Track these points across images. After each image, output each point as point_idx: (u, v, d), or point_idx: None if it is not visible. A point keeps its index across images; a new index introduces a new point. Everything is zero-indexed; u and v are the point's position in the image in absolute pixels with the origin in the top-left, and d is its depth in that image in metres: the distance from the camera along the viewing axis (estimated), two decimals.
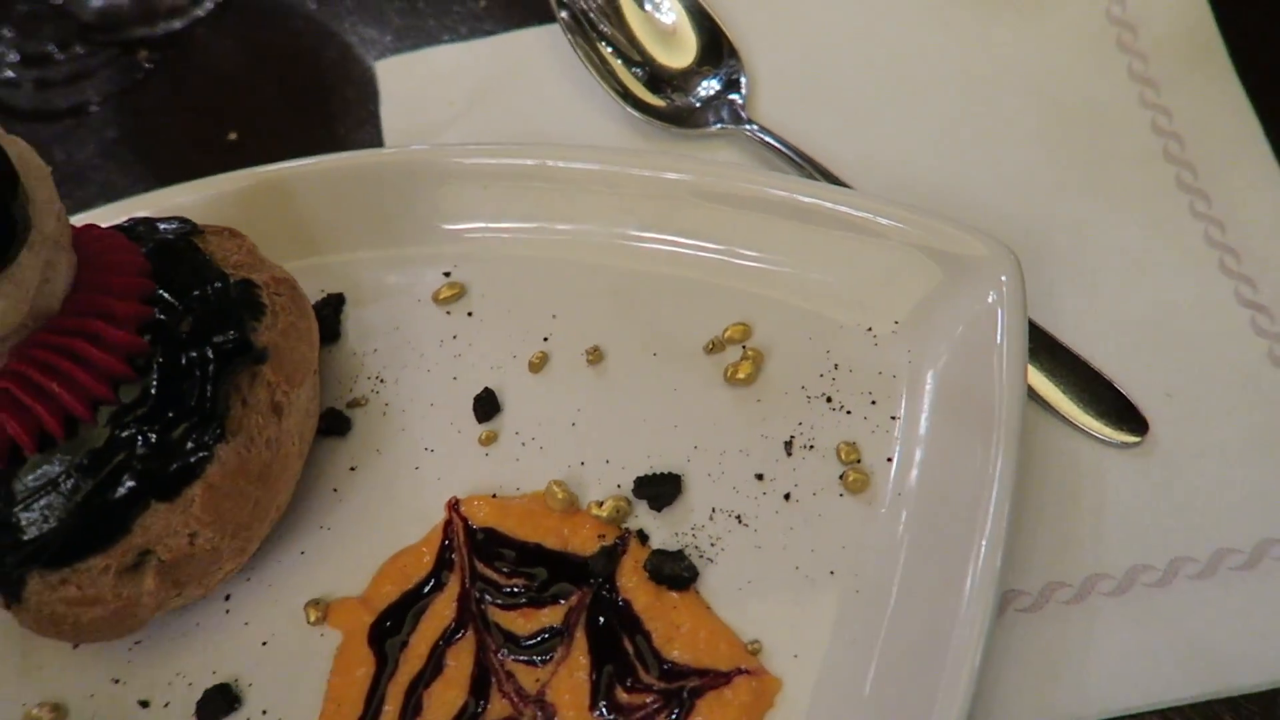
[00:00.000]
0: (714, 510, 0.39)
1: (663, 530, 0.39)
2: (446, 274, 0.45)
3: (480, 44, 0.53)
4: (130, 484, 0.33)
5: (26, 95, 0.58)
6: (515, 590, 0.38)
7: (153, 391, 0.34)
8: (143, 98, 0.56)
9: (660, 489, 0.39)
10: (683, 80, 0.49)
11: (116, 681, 0.39)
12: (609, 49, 0.49)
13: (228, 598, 0.40)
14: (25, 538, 0.33)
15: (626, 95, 0.48)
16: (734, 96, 0.48)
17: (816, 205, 0.41)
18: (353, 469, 0.42)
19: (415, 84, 0.53)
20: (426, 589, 0.38)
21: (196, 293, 0.36)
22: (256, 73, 0.58)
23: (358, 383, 0.44)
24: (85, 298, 0.33)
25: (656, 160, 0.43)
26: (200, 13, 0.60)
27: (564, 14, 0.49)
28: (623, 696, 0.35)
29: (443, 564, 0.39)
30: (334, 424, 0.42)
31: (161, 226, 0.39)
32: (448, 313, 0.45)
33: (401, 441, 0.42)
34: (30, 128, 0.57)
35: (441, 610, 0.38)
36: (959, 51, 0.48)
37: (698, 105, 0.48)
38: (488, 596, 0.38)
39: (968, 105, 0.47)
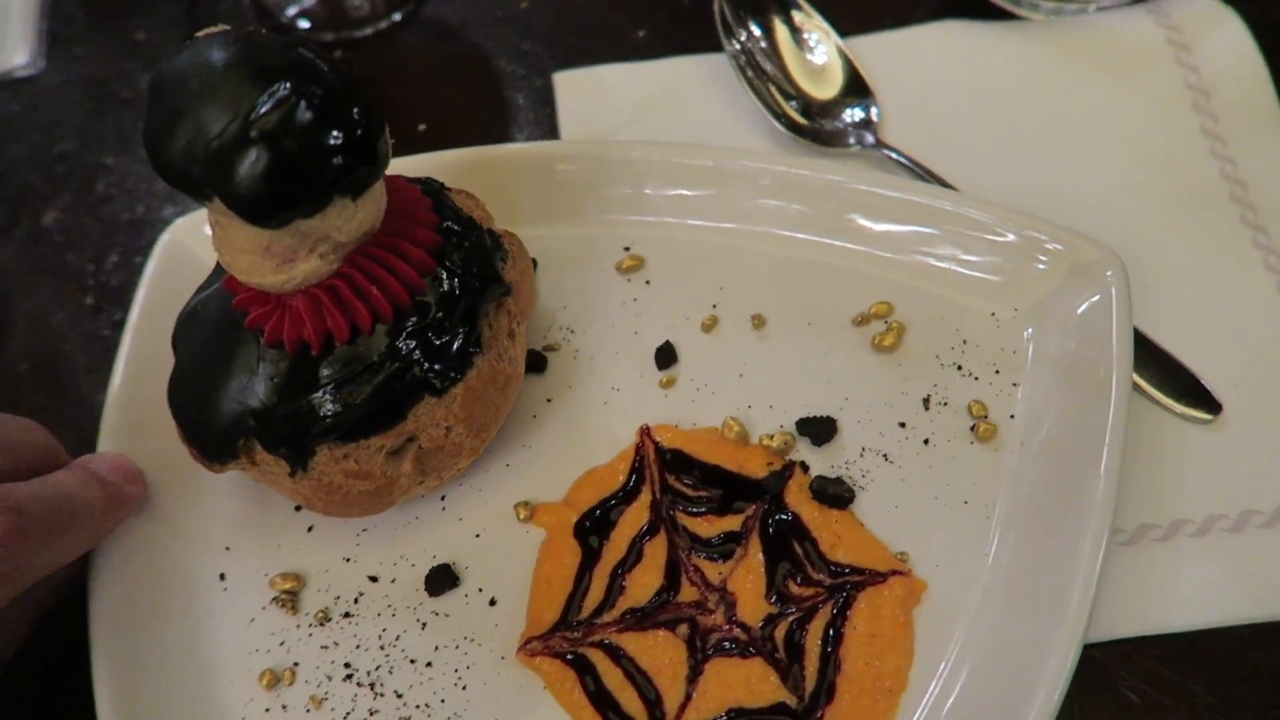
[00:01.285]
0: (864, 449, 0.46)
1: (820, 463, 0.46)
2: (626, 248, 0.53)
3: (648, 65, 0.62)
4: (413, 378, 0.41)
5: None
6: (699, 500, 0.45)
7: (434, 305, 0.42)
8: None
9: (819, 428, 0.47)
10: (827, 109, 0.58)
11: (347, 560, 0.46)
12: (767, 80, 0.58)
13: (443, 498, 0.47)
14: (325, 414, 0.40)
15: (781, 117, 0.57)
16: (869, 125, 0.57)
17: (954, 210, 0.49)
18: (549, 400, 0.49)
19: (588, 95, 0.62)
20: (623, 496, 0.46)
21: (461, 233, 0.44)
22: (440, 78, 0.66)
23: (551, 331, 0.52)
24: (395, 224, 0.41)
25: (818, 164, 0.52)
26: (386, 24, 0.68)
27: (734, 45, 0.58)
28: (793, 589, 0.43)
29: (636, 477, 0.46)
30: (534, 362, 0.50)
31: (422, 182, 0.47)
32: (628, 280, 0.53)
33: (591, 381, 0.50)
34: None
35: (636, 514, 0.45)
36: (1058, 104, 0.58)
37: (840, 128, 0.57)
38: (677, 503, 0.45)
39: (1064, 148, 0.56)
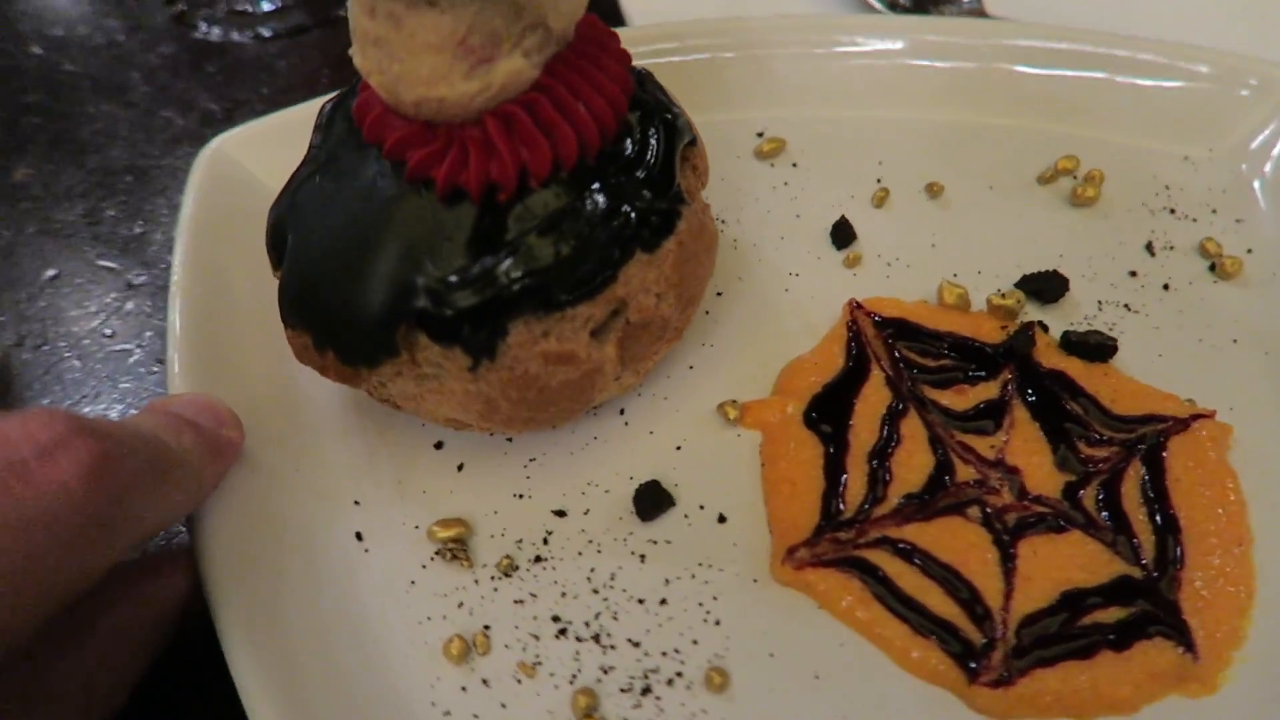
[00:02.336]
0: (1100, 302, 0.40)
1: (1057, 321, 0.40)
2: (760, 134, 0.47)
3: None
4: (623, 228, 0.32)
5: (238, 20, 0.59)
6: (944, 369, 0.38)
7: (635, 143, 0.34)
8: None
9: (1047, 284, 0.40)
10: None
11: (519, 496, 0.36)
12: None
13: (622, 411, 0.38)
14: (526, 274, 0.31)
15: None
16: (972, 3, 0.53)
17: (1127, 53, 0.45)
18: (719, 294, 0.42)
19: None
20: (850, 377, 0.38)
21: (639, 72, 0.36)
22: None
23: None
24: (589, 41, 0.33)
25: (962, 24, 0.47)
26: None
27: None
28: (1086, 450, 0.36)
29: (859, 356, 0.38)
30: None
31: None
32: (771, 165, 0.46)
33: (762, 270, 0.42)
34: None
35: (872, 395, 0.37)
36: None
37: (939, 10, 0.53)
38: (920, 377, 0.37)
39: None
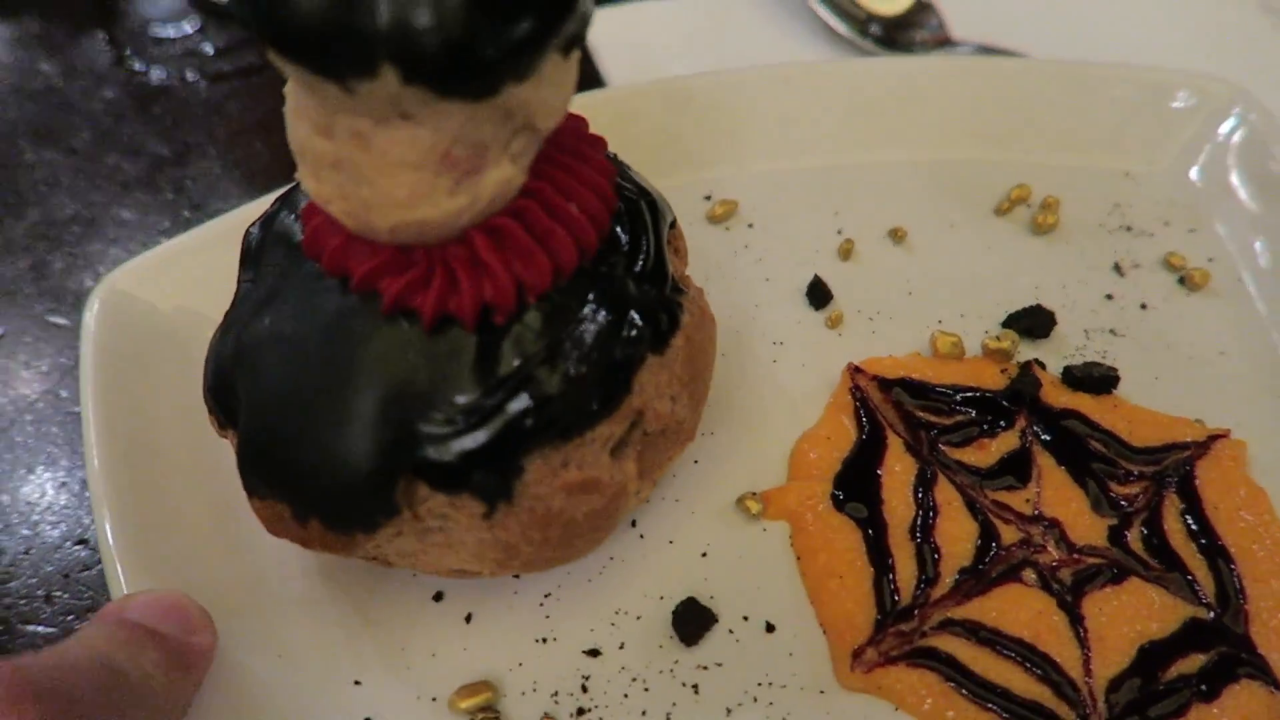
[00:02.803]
0: (1087, 331, 0.40)
1: (1051, 356, 0.39)
2: (707, 197, 0.45)
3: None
4: (635, 331, 0.29)
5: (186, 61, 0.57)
6: (960, 425, 0.36)
7: (626, 237, 0.31)
8: None
9: (1034, 320, 0.39)
10: (898, 24, 0.54)
11: (542, 641, 0.32)
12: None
13: (634, 524, 0.35)
14: (539, 403, 0.27)
15: (853, 25, 0.54)
16: (941, 35, 0.54)
17: (1063, 73, 0.45)
18: None
19: (630, 34, 0.55)
20: (869, 448, 0.36)
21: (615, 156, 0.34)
22: None
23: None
24: (564, 130, 0.30)
25: (899, 60, 0.46)
26: None
27: None
28: (1118, 490, 0.35)
29: (871, 424, 0.36)
30: None
31: None
32: (726, 228, 0.44)
33: (745, 342, 0.40)
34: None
35: (895, 465, 0.35)
36: None
37: (913, 40, 0.54)
38: (939, 437, 0.36)
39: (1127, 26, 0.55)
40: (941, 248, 0.43)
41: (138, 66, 0.55)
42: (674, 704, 0.31)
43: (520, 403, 0.27)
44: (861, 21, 0.54)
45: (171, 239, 0.39)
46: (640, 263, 0.30)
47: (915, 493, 0.34)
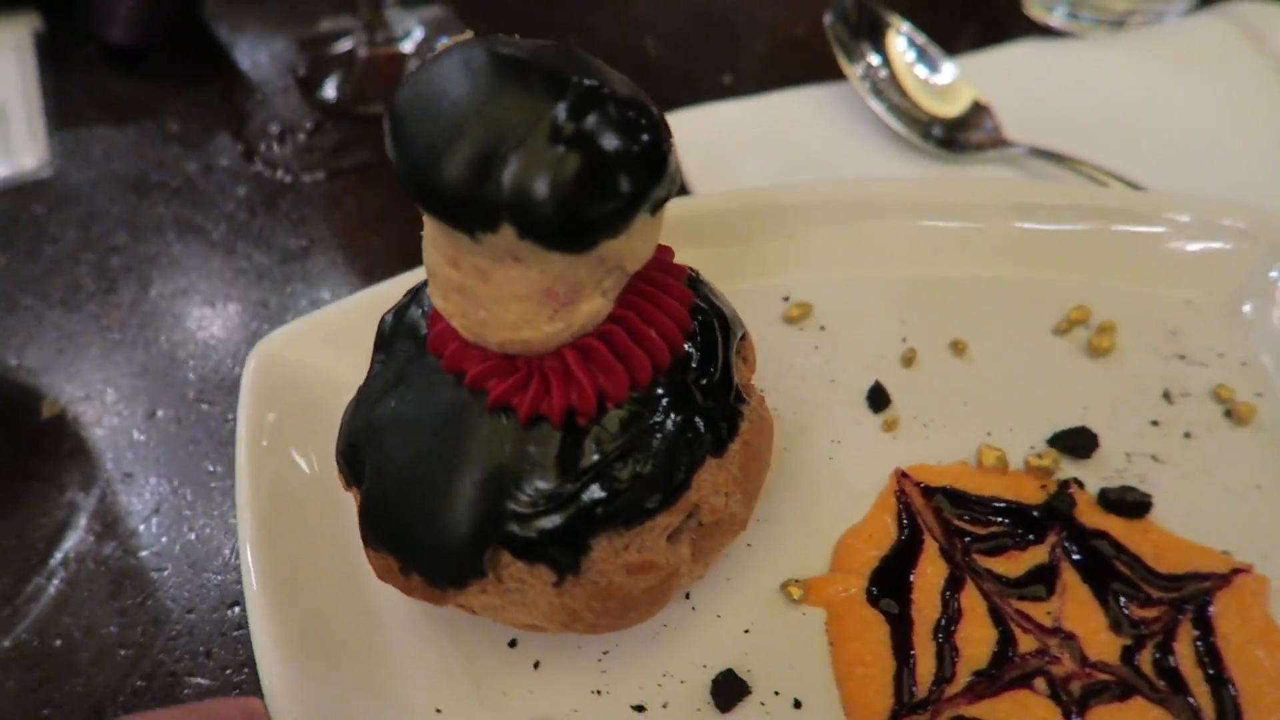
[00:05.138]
0: (1128, 454, 0.43)
1: (1090, 476, 0.42)
2: (786, 298, 0.49)
3: (758, 101, 0.63)
4: (696, 434, 0.34)
5: (306, 158, 0.64)
6: (993, 537, 0.39)
7: (698, 351, 0.35)
8: None
9: (1078, 441, 0.42)
10: (957, 125, 0.59)
11: (597, 693, 0.37)
12: (892, 101, 0.59)
13: (688, 596, 0.40)
14: (609, 494, 0.32)
15: (915, 127, 0.58)
16: (999, 136, 0.58)
17: (1130, 205, 0.48)
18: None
19: (706, 134, 0.60)
20: (906, 549, 0.39)
21: (692, 275, 0.38)
22: None
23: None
24: (654, 266, 0.35)
25: (972, 178, 0.50)
26: None
27: (858, 69, 0.59)
28: (1136, 612, 0.37)
29: (911, 527, 0.40)
30: None
31: None
32: (800, 330, 0.48)
33: (804, 438, 0.44)
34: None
35: (927, 567, 0.39)
36: (1160, 102, 0.60)
37: (973, 141, 0.58)
38: (973, 545, 0.39)
39: (1179, 141, 0.57)
40: (999, 362, 0.46)
41: (261, 165, 0.62)
42: None
43: (594, 493, 0.32)
44: (922, 123, 0.58)
45: (315, 311, 0.46)
46: (708, 377, 0.35)
47: (944, 594, 0.38)
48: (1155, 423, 0.43)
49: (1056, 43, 0.65)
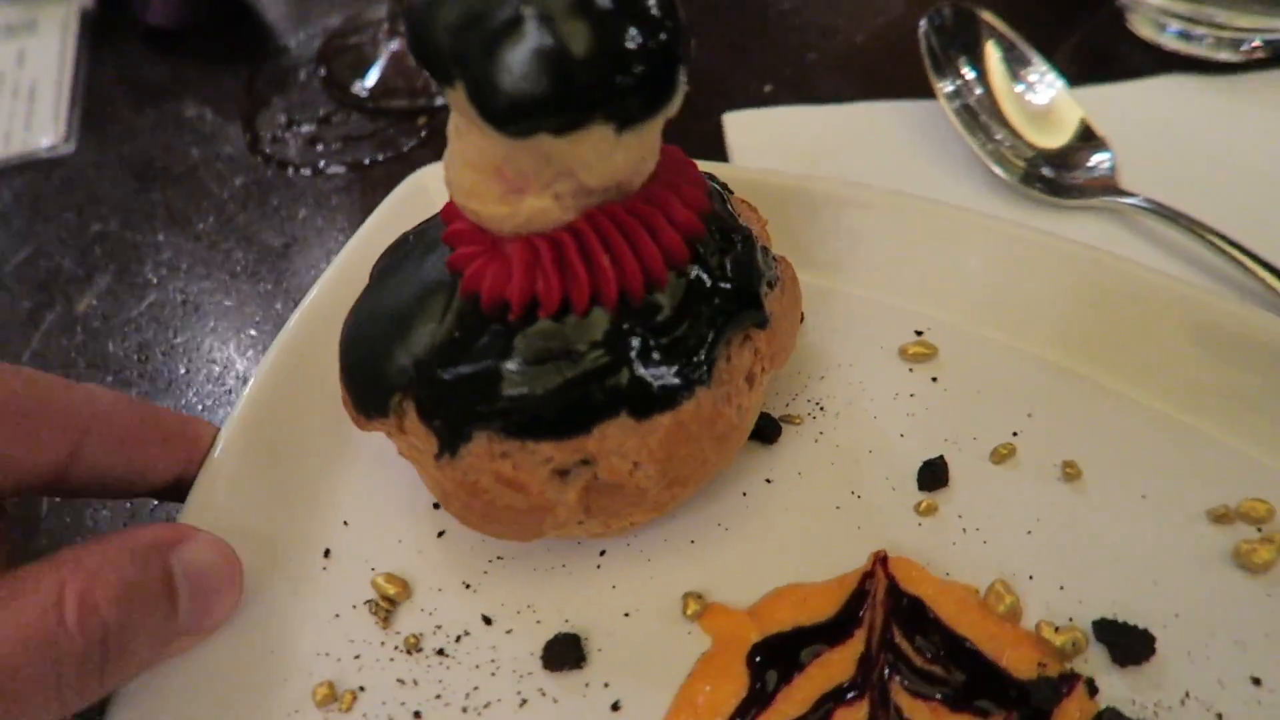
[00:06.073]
0: (1187, 694, 0.32)
1: (1118, 689, 0.32)
2: (919, 332, 0.42)
3: (827, 109, 0.56)
4: (615, 387, 0.31)
5: (308, 152, 0.62)
6: (931, 678, 0.32)
7: (670, 307, 0.32)
8: (425, 155, 0.59)
9: (1128, 641, 0.32)
10: (1058, 159, 0.49)
11: (467, 586, 0.37)
12: (983, 125, 0.51)
13: (603, 552, 0.37)
14: (499, 393, 0.31)
15: (1004, 164, 0.49)
16: (1109, 176, 0.48)
17: None
18: (768, 481, 0.39)
19: (762, 139, 0.54)
20: (827, 633, 0.33)
21: (732, 234, 0.35)
22: None
23: (797, 400, 0.41)
24: (657, 192, 0.32)
25: (1153, 284, 0.39)
26: None
27: (948, 86, 0.52)
28: None
29: (851, 615, 0.34)
30: (764, 428, 0.39)
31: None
32: (910, 370, 0.41)
33: (828, 475, 0.38)
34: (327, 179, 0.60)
35: (836, 662, 0.33)
36: None
37: (1076, 181, 0.48)
38: (897, 672, 0.32)
39: None
40: (1109, 510, 0.36)
41: (261, 156, 0.60)
42: (499, 698, 0.34)
43: (487, 383, 0.32)
44: (1023, 165, 0.49)
45: None
46: (669, 333, 0.32)
47: (825, 700, 0.32)
48: (1258, 681, 0.32)
49: (1188, 77, 0.55)
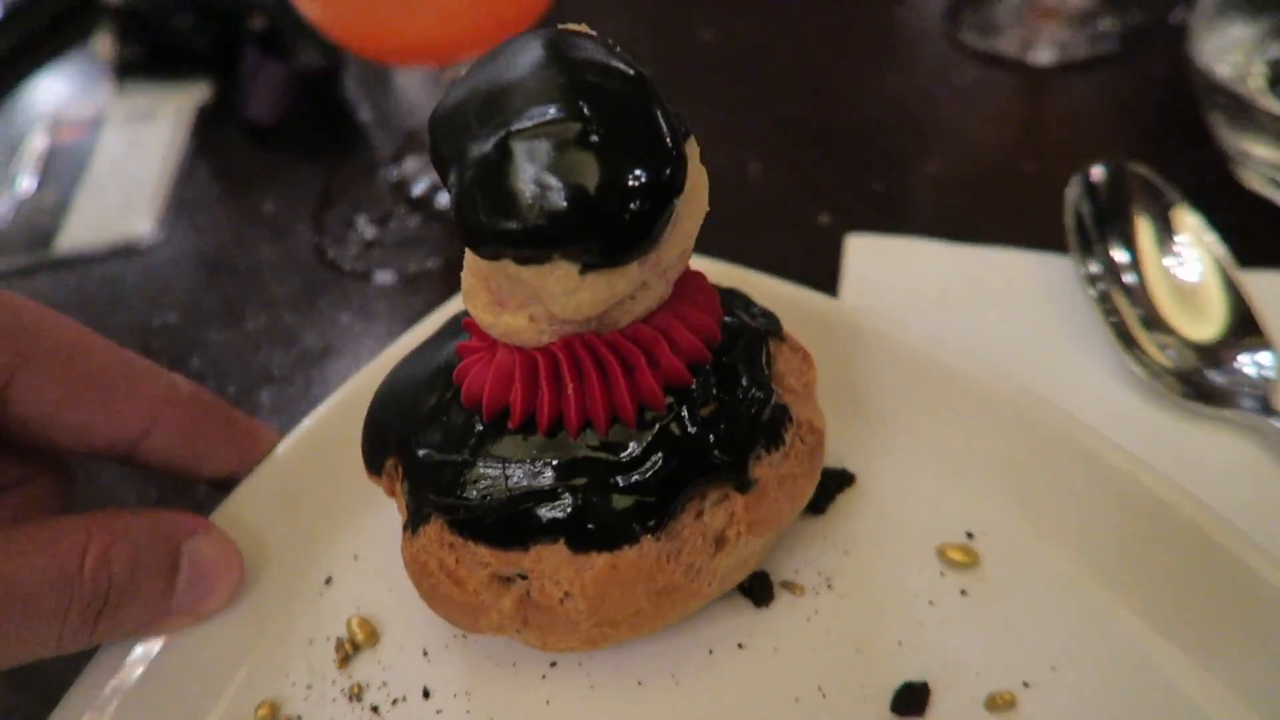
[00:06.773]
0: None
1: None
2: (970, 535, 0.38)
3: (955, 249, 0.51)
4: (562, 514, 0.31)
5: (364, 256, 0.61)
6: None
7: (638, 448, 0.32)
8: None
9: None
10: (1207, 353, 0.42)
11: (425, 654, 0.38)
12: (1120, 302, 0.45)
13: (553, 664, 0.37)
14: (456, 485, 0.32)
15: (1132, 345, 0.42)
16: (1262, 379, 0.40)
17: None
18: (740, 646, 0.36)
19: (882, 267, 0.50)
20: None
21: (739, 385, 0.33)
22: None
23: (806, 569, 0.38)
24: (647, 333, 0.32)
25: None
26: None
27: (1092, 267, 0.46)
28: None
29: None
30: (756, 589, 0.37)
31: (753, 310, 0.37)
32: (941, 574, 0.37)
33: (803, 660, 0.36)
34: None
35: None
36: None
37: (1226, 385, 0.40)
38: None
39: None
40: None
41: (325, 256, 0.59)
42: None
43: (449, 475, 0.33)
44: (1165, 355, 0.42)
45: None
46: (632, 479, 0.31)
47: None
48: None
49: None
